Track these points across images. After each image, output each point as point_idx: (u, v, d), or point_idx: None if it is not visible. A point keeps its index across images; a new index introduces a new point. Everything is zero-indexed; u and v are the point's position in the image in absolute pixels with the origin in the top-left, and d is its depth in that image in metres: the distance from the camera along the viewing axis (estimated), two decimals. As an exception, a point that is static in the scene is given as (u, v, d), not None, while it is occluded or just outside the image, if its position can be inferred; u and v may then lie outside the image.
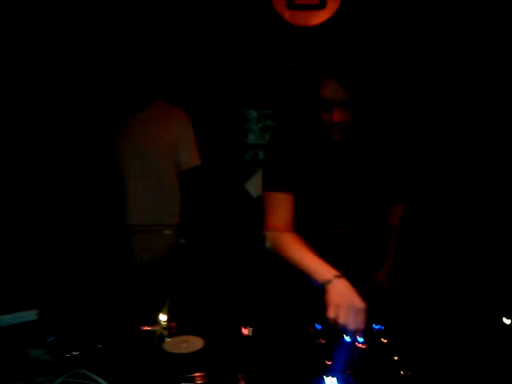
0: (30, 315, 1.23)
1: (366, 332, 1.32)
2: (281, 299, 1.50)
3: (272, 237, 1.64)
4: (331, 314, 1.35)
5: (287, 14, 3.03)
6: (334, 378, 1.12)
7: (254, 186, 3.16)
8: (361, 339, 1.29)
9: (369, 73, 1.48)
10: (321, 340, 1.31)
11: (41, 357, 1.12)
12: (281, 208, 1.65)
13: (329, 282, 1.41)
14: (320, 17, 3.02)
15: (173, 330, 1.38)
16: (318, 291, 1.47)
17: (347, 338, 1.29)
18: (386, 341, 1.30)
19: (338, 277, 1.42)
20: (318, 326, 1.38)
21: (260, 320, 1.40)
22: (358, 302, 1.35)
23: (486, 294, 1.65)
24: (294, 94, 1.65)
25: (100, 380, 0.97)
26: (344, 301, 1.35)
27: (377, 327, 1.37)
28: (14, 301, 1.29)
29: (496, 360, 1.20)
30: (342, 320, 1.33)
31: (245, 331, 1.36)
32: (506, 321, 1.37)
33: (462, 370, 1.16)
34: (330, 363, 1.19)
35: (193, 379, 1.15)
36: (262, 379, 1.15)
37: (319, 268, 1.47)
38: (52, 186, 2.82)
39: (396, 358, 1.21)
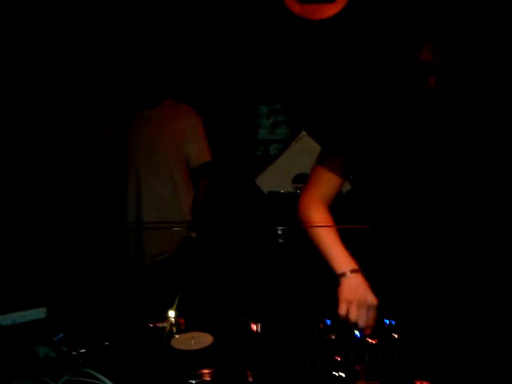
0: (39, 313, 1.23)
1: (377, 327, 1.30)
2: (290, 294, 1.47)
3: (304, 209, 1.57)
4: (342, 310, 1.34)
5: (297, 9, 3.00)
6: (343, 373, 1.10)
7: (264, 182, 3.14)
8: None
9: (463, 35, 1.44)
10: (331, 335, 1.29)
11: (48, 354, 1.12)
12: (323, 183, 1.57)
13: (344, 275, 1.39)
14: (330, 10, 2.99)
15: (181, 326, 1.37)
16: (328, 286, 1.45)
17: (358, 334, 1.27)
18: (397, 336, 1.27)
19: (354, 271, 1.39)
20: (328, 322, 1.36)
21: (269, 316, 1.38)
22: (370, 299, 1.33)
23: (500, 289, 1.61)
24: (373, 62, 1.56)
25: (104, 379, 0.97)
26: (356, 296, 1.33)
27: (388, 322, 1.34)
28: (23, 299, 1.29)
29: (507, 355, 1.17)
30: (352, 317, 1.31)
31: (254, 327, 1.34)
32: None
33: (473, 366, 1.13)
34: (339, 359, 1.17)
35: (201, 376, 1.14)
36: (271, 376, 1.13)
37: (338, 257, 1.43)
38: (62, 184, 2.84)
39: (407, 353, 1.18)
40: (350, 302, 1.33)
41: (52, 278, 2.11)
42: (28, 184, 2.75)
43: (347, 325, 1.32)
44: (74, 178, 2.74)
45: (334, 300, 1.40)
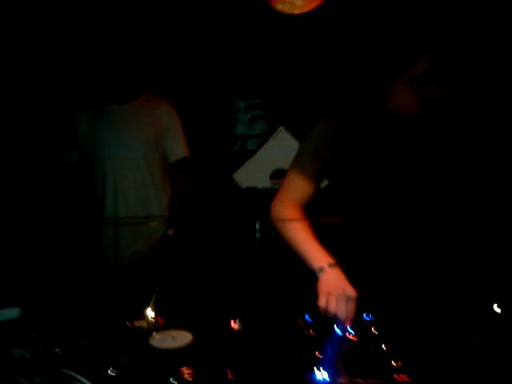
0: (12, 313, 1.20)
1: (357, 323, 1.31)
2: (270, 291, 1.47)
3: (276, 211, 1.60)
4: (321, 302, 1.35)
5: (276, 2, 2.99)
6: (325, 372, 1.10)
7: (242, 177, 3.13)
8: (351, 330, 1.27)
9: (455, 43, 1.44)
10: (311, 332, 1.29)
11: (23, 355, 1.09)
12: (297, 188, 1.59)
13: (322, 269, 1.41)
14: (308, 6, 2.99)
15: (160, 324, 1.35)
16: (307, 282, 1.46)
17: (338, 330, 1.28)
18: (376, 332, 1.28)
19: (331, 265, 1.41)
20: (309, 318, 1.36)
21: (249, 313, 1.38)
22: (350, 291, 1.35)
23: (478, 282, 1.64)
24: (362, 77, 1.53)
25: (82, 379, 0.94)
26: (335, 289, 1.35)
27: (368, 318, 1.35)
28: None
29: (487, 348, 1.19)
30: (331, 308, 1.33)
31: (234, 325, 1.34)
32: (497, 309, 1.36)
33: (454, 360, 1.15)
34: (320, 356, 1.17)
35: (181, 374, 1.13)
36: (252, 373, 1.13)
37: (315, 254, 1.46)
38: (37, 180, 2.77)
39: (385, 347, 1.20)
40: (329, 294, 1.35)
41: (26, 277, 2.06)
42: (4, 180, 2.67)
43: (327, 317, 1.33)
44: (48, 172, 2.68)
45: (313, 296, 1.41)
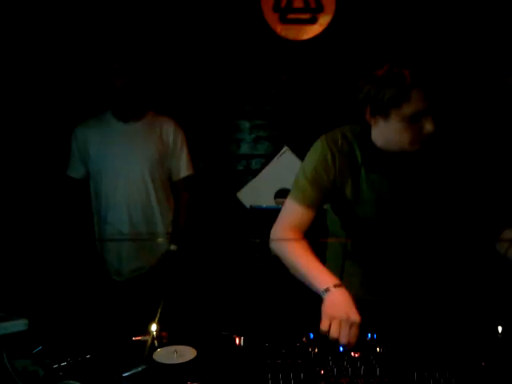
0: (20, 325, 1.21)
1: (360, 341, 1.32)
2: (274, 308, 1.48)
3: (277, 239, 1.60)
4: (324, 326, 1.34)
5: (279, 28, 3.06)
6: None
7: (246, 196, 3.15)
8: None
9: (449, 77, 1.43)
10: (314, 349, 1.30)
11: (28, 368, 1.10)
12: (295, 215, 1.60)
13: (327, 290, 1.40)
14: (311, 31, 3.06)
15: (164, 339, 1.36)
16: (311, 300, 1.46)
17: (341, 348, 1.28)
18: (379, 350, 1.29)
19: (336, 286, 1.40)
20: (311, 335, 1.37)
21: (252, 329, 1.38)
22: (354, 316, 1.33)
23: (481, 299, 1.65)
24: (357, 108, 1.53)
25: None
26: (338, 313, 1.34)
27: (370, 336, 1.36)
28: (3, 310, 1.26)
29: (492, 369, 1.19)
30: (333, 333, 1.32)
31: (237, 340, 1.34)
32: (501, 330, 1.36)
33: (460, 381, 1.15)
34: (323, 372, 1.18)
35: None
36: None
37: (320, 276, 1.45)
38: (43, 196, 2.80)
39: (390, 367, 1.20)
40: (332, 318, 1.34)
41: (33, 290, 2.07)
42: (11, 192, 2.70)
43: (329, 340, 1.32)
44: (54, 187, 2.70)
45: (318, 314, 1.41)
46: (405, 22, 2.97)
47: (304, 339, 1.36)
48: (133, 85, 2.38)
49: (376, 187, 1.56)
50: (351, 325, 1.32)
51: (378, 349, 1.29)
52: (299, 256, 1.52)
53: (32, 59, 2.89)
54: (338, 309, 1.35)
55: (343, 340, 1.30)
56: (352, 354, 1.27)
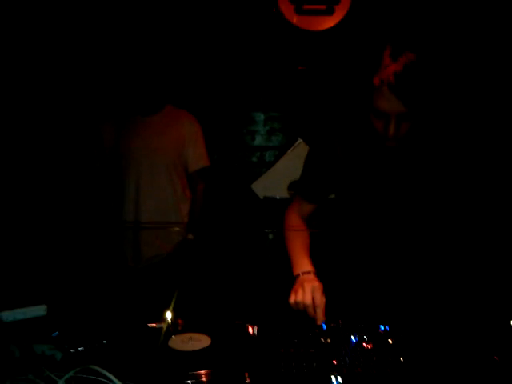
0: (39, 310, 1.24)
1: (372, 332, 1.32)
2: (287, 298, 1.50)
3: (284, 220, 1.76)
4: (290, 299, 1.46)
5: (295, 19, 3.05)
6: (340, 377, 1.12)
7: (260, 187, 3.17)
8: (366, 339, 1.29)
9: (427, 85, 1.35)
10: (327, 339, 1.31)
11: (45, 352, 1.12)
12: (300, 207, 1.74)
13: (297, 277, 1.54)
14: (327, 23, 3.04)
15: (179, 327, 1.38)
16: (324, 290, 1.48)
17: (352, 337, 1.29)
18: (392, 341, 1.29)
19: (305, 273, 1.52)
20: (324, 326, 1.38)
21: (265, 318, 1.40)
22: (313, 283, 1.46)
23: (494, 293, 1.65)
24: (342, 101, 1.59)
25: (110, 376, 0.97)
26: (300, 285, 1.48)
27: (382, 328, 1.37)
28: (23, 296, 1.30)
29: (506, 364, 1.19)
30: (298, 298, 1.43)
31: (250, 329, 1.36)
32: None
33: (472, 375, 1.15)
34: (335, 362, 1.19)
35: (199, 377, 1.15)
36: (268, 377, 1.14)
37: (297, 261, 1.58)
38: (62, 184, 2.84)
39: (402, 358, 1.21)
40: (295, 291, 1.47)
41: (52, 277, 2.11)
42: (28, 183, 2.75)
43: (302, 312, 1.43)
44: (73, 178, 2.75)
45: (331, 304, 1.43)
46: (420, 12, 2.94)
47: (316, 330, 1.37)
48: (151, 79, 2.42)
49: (370, 180, 1.59)
50: (313, 290, 1.44)
51: (390, 340, 1.29)
52: (289, 241, 1.67)
53: (41, 57, 2.92)
54: (302, 285, 1.48)
55: (307, 301, 1.42)
56: (364, 345, 1.27)
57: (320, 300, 1.44)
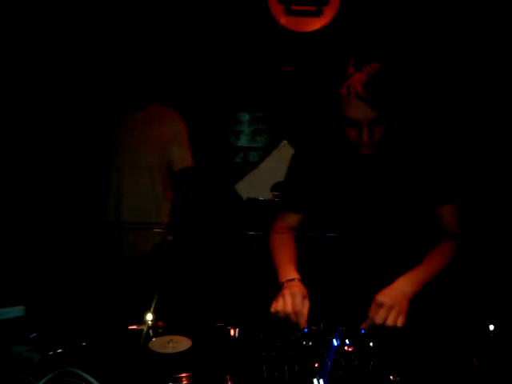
0: (17, 311, 1.21)
1: (353, 335, 1.33)
2: (269, 301, 1.50)
3: (270, 235, 1.76)
4: (271, 308, 1.45)
5: (283, 20, 3.05)
6: (321, 380, 1.12)
7: (243, 188, 3.16)
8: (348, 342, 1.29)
9: (395, 89, 1.39)
10: (308, 342, 1.31)
11: (23, 354, 1.10)
12: (285, 219, 1.75)
13: (282, 284, 1.51)
14: (316, 24, 3.05)
15: (159, 329, 1.37)
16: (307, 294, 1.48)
17: (335, 341, 1.30)
18: (372, 344, 1.30)
19: (289, 281, 1.51)
20: (306, 329, 1.38)
21: (247, 321, 1.40)
22: (296, 289, 1.45)
23: (473, 297, 1.67)
24: (316, 111, 1.60)
25: (90, 378, 0.96)
26: (282, 294, 1.46)
27: (363, 331, 1.37)
28: (0, 296, 1.27)
29: (484, 367, 1.21)
30: (279, 306, 1.42)
31: (232, 332, 1.35)
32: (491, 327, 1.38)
33: (451, 378, 1.16)
34: (317, 365, 1.19)
35: (179, 379, 1.14)
36: (250, 380, 1.14)
37: (282, 269, 1.57)
38: (43, 182, 2.80)
39: (382, 361, 1.21)
40: (277, 298, 1.46)
41: (30, 277, 2.07)
42: (9, 182, 2.71)
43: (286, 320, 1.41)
44: (54, 175, 2.72)
45: (313, 308, 1.43)
46: (409, 15, 2.97)
47: (298, 333, 1.37)
48: (136, 75, 2.40)
49: (346, 188, 1.60)
50: (293, 295, 1.43)
51: (371, 343, 1.30)
52: (274, 250, 1.67)
53: (35, 56, 2.88)
54: (284, 292, 1.47)
55: (288, 309, 1.40)
56: (346, 348, 1.28)
57: (300, 306, 1.42)
